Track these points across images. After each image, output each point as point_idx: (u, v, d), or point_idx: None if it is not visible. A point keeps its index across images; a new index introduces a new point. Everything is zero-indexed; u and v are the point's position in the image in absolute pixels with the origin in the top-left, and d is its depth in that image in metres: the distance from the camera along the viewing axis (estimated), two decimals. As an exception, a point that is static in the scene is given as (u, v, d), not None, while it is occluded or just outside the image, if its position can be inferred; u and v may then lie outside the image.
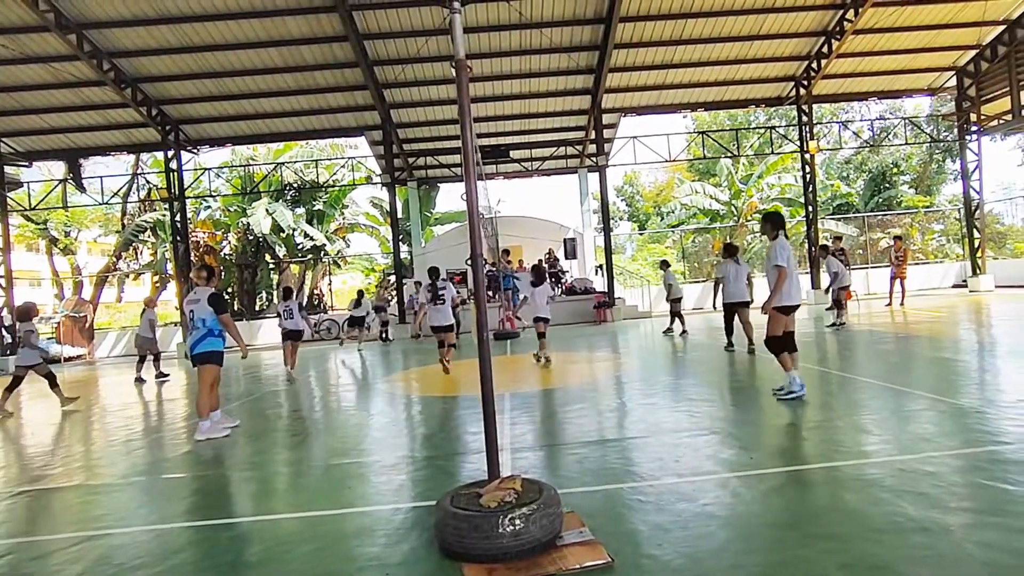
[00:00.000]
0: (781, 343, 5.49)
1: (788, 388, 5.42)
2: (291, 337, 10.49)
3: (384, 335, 17.18)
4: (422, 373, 9.47)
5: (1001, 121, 18.05)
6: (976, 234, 18.71)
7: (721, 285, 9.81)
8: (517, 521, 2.61)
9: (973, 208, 18.87)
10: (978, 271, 18.50)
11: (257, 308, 25.14)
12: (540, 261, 19.06)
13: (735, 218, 26.45)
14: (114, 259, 25.78)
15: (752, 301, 9.18)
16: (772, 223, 5.67)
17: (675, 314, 12.10)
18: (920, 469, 3.46)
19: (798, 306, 5.55)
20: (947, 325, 9.99)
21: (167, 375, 11.99)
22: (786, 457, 4.01)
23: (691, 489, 3.37)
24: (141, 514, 3.86)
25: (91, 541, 3.35)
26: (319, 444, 5.47)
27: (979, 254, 18.56)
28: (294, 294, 11.08)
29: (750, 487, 3.40)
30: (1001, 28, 16.81)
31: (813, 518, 2.90)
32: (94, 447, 6.02)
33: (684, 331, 11.84)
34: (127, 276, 26.82)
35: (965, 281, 19.30)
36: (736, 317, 9.04)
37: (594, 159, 18.62)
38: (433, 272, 8.67)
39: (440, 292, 8.38)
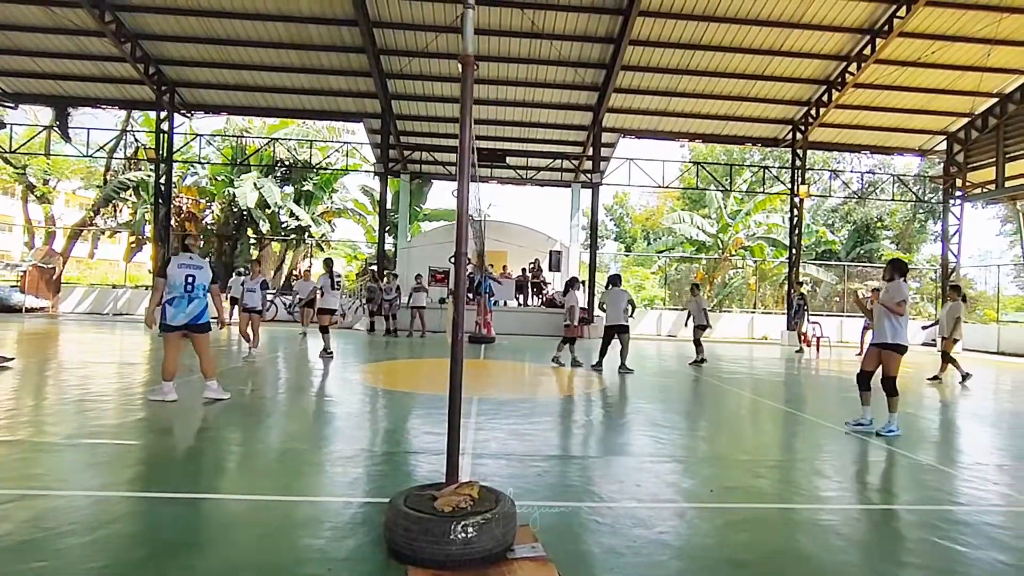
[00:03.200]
0: (895, 384, 5.61)
1: (889, 426, 5.55)
2: (250, 311, 10.09)
3: (372, 325, 16.56)
4: (390, 366, 9.35)
5: (985, 189, 18.56)
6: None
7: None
8: (470, 529, 2.55)
9: (950, 271, 19.32)
10: (947, 332, 18.90)
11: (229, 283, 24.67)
12: (524, 270, 19.12)
13: (720, 251, 26.75)
14: (91, 214, 25.16)
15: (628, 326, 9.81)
16: (899, 269, 5.86)
17: (697, 342, 11.75)
18: (876, 520, 3.47)
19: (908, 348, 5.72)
20: (915, 382, 10.16)
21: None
22: (745, 494, 4.00)
23: (648, 515, 3.34)
24: (82, 478, 3.71)
25: (24, 500, 3.20)
26: (277, 427, 5.34)
27: (950, 316, 18.97)
28: (259, 270, 10.67)
29: (707, 520, 3.37)
30: (993, 100, 17.32)
31: (767, 559, 2.88)
32: (44, 404, 5.80)
33: (703, 360, 11.49)
34: (102, 232, 26.17)
35: (935, 340, 19.70)
36: (616, 338, 9.70)
37: (589, 175, 18.71)
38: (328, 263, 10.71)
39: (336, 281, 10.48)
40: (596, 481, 3.98)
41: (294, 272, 25.95)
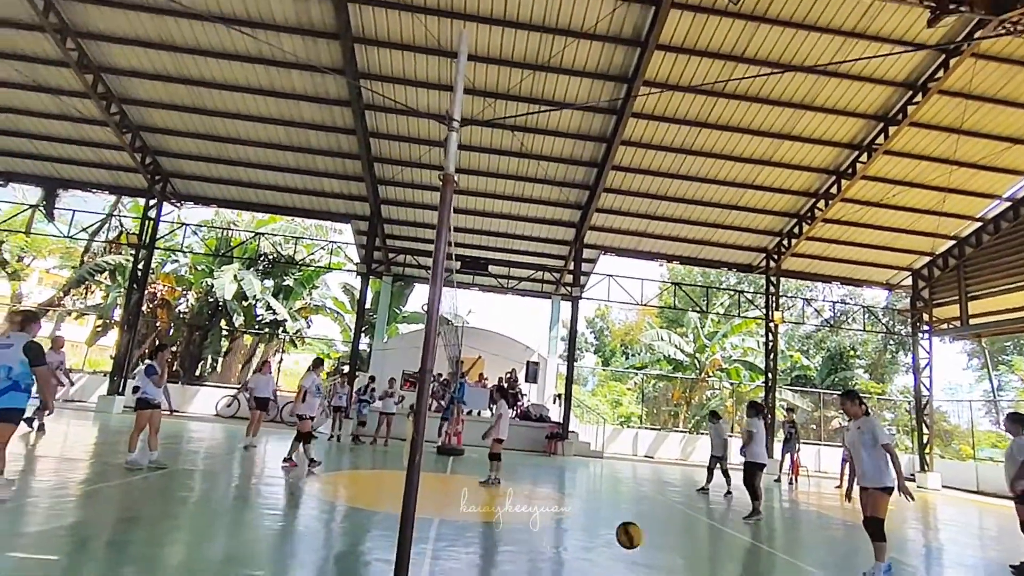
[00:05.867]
0: (882, 527, 5.26)
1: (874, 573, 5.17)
2: (144, 406, 7.84)
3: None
4: (352, 476, 8.75)
5: (951, 325, 19.11)
6: (925, 430, 19.08)
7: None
8: None
9: (923, 404, 19.39)
10: (926, 468, 18.63)
11: (197, 373, 23.82)
12: (500, 379, 18.76)
13: (697, 371, 26.75)
14: (61, 294, 24.60)
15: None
16: (852, 400, 5.71)
17: (724, 471, 11.21)
18: None
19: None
20: (900, 523, 9.77)
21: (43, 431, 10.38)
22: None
23: None
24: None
25: None
26: (211, 544, 4.81)
27: (927, 451, 18.81)
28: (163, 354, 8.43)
29: None
30: (952, 243, 18.31)
31: None
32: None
33: (729, 491, 11.01)
34: (68, 313, 25.45)
35: (913, 476, 19.37)
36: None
37: (569, 288, 18.97)
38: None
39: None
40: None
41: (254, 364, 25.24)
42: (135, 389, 8.01)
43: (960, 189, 16.16)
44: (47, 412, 10.36)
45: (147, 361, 8.21)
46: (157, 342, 22.70)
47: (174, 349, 23.34)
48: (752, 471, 8.54)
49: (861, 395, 5.90)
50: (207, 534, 5.12)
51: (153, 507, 5.84)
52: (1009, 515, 7.41)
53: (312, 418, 9.37)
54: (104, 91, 14.76)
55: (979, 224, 17.50)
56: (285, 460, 9.10)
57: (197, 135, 16.39)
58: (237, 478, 8.17)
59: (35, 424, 10.34)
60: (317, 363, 10.12)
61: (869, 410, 5.71)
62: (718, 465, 11.16)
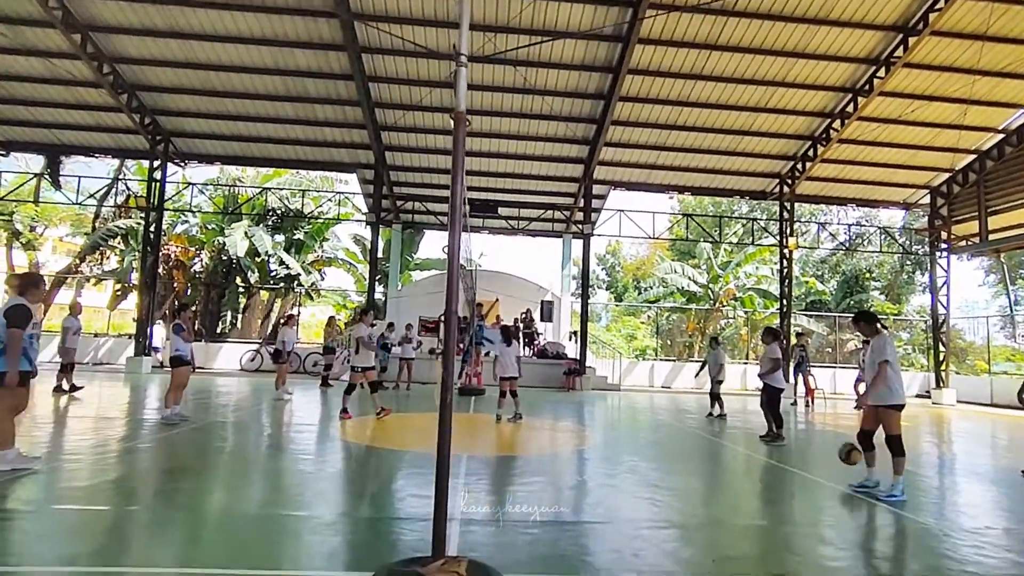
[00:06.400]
0: (901, 443, 5.37)
1: (892, 491, 5.28)
2: (179, 364, 8.21)
3: (326, 379, 14.93)
4: (377, 421, 9.04)
5: (969, 242, 18.85)
6: (941, 348, 19.16)
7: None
8: (456, 615, 2.32)
9: (939, 322, 19.38)
10: (941, 384, 18.83)
11: (219, 331, 24.32)
12: (515, 320, 18.98)
13: (711, 302, 26.82)
14: (77, 261, 24.91)
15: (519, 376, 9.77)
16: (867, 320, 5.77)
17: (715, 396, 11.60)
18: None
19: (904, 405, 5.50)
20: (914, 438, 9.97)
21: (80, 387, 11.11)
22: (749, 565, 3.77)
23: (649, 592, 3.10)
24: (40, 551, 3.43)
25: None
26: (252, 489, 5.05)
27: (943, 368, 18.95)
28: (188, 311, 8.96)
29: (712, 597, 3.15)
30: (973, 157, 17.80)
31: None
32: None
33: (723, 414, 11.36)
34: (87, 280, 25.85)
35: (928, 392, 19.62)
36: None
37: (580, 226, 18.83)
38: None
39: None
40: (592, 551, 3.74)
41: (281, 320, 25.64)
42: (154, 350, 8.27)
43: (983, 100, 15.56)
44: (65, 374, 10.86)
45: (175, 321, 8.42)
46: (176, 303, 23.11)
47: (194, 308, 23.75)
48: (775, 396, 8.67)
49: (875, 315, 5.91)
50: (248, 480, 5.37)
51: (195, 459, 6.11)
52: (1022, 425, 7.53)
53: (372, 368, 9.46)
54: (94, 51, 14.42)
55: (1001, 136, 16.93)
56: (379, 412, 9.09)
57: (193, 91, 16.08)
58: (270, 427, 8.49)
59: (65, 387, 10.78)
60: (364, 312, 9.92)
61: (881, 329, 5.71)
62: (718, 389, 11.54)
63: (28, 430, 7.08)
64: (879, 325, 5.74)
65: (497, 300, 19.77)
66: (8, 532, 3.69)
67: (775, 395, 8.63)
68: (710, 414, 11.46)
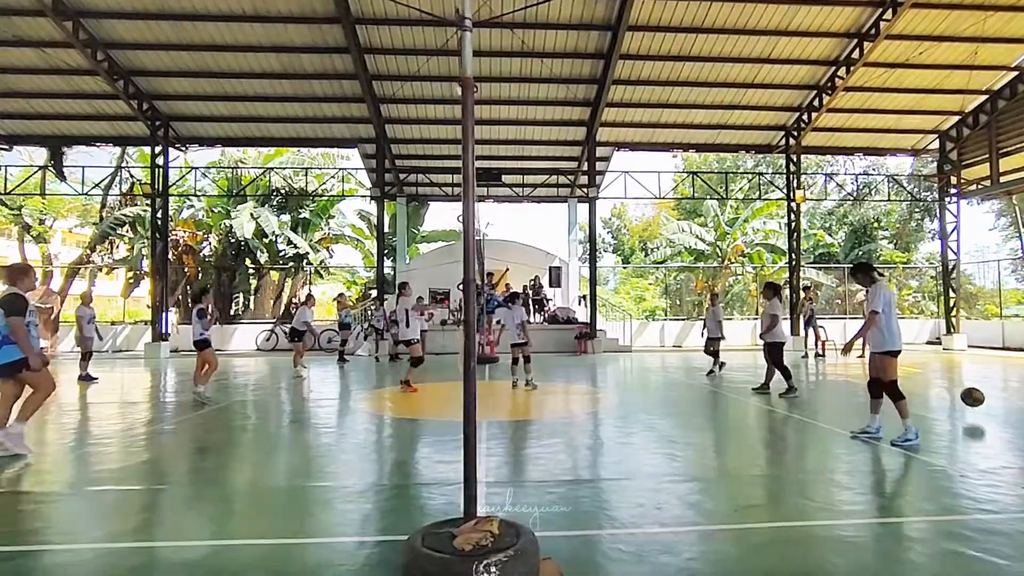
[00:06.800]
0: (897, 388, 5.47)
1: (905, 436, 5.35)
2: (204, 346, 8.52)
3: (343, 354, 15.03)
4: (395, 393, 9.22)
5: (979, 186, 18.59)
6: (951, 294, 19.10)
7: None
8: (493, 568, 2.45)
9: (949, 268, 19.27)
10: (952, 330, 18.83)
11: (232, 313, 24.59)
12: (524, 287, 19.06)
13: (719, 259, 26.73)
14: (88, 251, 25.08)
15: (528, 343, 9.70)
16: (863, 271, 5.82)
17: (712, 352, 11.52)
18: (905, 535, 3.37)
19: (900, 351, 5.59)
20: (926, 384, 10.06)
21: (95, 378, 11.04)
22: (770, 512, 3.89)
23: (674, 540, 3.23)
24: (84, 529, 3.59)
25: (27, 558, 3.09)
26: (282, 463, 5.23)
27: (954, 313, 18.92)
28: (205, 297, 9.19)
29: (735, 543, 3.27)
30: (984, 97, 17.41)
31: (800, 582, 2.77)
32: (45, 450, 5.68)
33: (712, 371, 11.37)
34: (100, 269, 26.08)
35: (939, 338, 19.64)
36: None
37: (585, 190, 18.72)
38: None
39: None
40: (615, 505, 3.87)
41: (293, 300, 25.86)
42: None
43: (994, 37, 15.10)
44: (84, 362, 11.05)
45: (199, 306, 8.71)
46: (189, 288, 23.35)
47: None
48: (779, 350, 8.78)
49: (871, 266, 5.94)
50: (277, 455, 5.54)
51: (223, 437, 6.30)
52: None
53: (418, 341, 9.58)
54: (86, 37, 14.28)
55: (1015, 74, 16.53)
56: (405, 383, 9.21)
57: (189, 73, 15.94)
58: (292, 404, 8.69)
59: (82, 374, 10.99)
60: (403, 286, 9.89)
61: (877, 278, 5.72)
62: (714, 346, 11.45)
63: (56, 417, 7.29)
64: (875, 274, 5.77)
65: (507, 269, 19.82)
66: (54, 513, 3.86)
67: (778, 349, 8.75)
68: (711, 372, 11.35)
